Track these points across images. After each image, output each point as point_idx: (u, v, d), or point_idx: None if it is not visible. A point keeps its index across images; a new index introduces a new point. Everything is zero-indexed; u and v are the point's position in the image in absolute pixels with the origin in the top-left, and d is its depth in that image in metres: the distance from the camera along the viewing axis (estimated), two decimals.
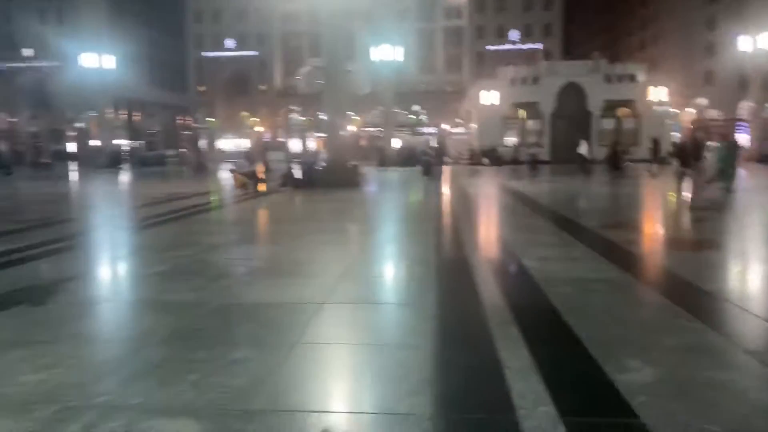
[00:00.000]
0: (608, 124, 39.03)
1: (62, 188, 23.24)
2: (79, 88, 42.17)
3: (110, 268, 7.62)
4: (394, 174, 26.83)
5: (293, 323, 4.73)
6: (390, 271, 7.29)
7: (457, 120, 57.63)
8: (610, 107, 38.91)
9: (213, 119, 66.79)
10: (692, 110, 52.15)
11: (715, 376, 3.59)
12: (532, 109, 39.73)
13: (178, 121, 63.98)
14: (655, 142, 25.61)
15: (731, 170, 15.16)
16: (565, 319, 4.74)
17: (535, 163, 28.96)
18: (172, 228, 10.98)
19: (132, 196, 19.02)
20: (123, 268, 7.47)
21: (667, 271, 6.88)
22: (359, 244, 9.33)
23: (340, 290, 5.90)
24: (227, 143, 57.65)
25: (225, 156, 34.76)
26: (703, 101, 53.96)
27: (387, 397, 3.34)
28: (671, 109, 41.54)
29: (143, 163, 40.99)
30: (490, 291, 5.74)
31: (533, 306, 5.24)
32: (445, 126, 55.55)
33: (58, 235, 9.66)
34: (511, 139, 39.81)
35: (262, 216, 13.78)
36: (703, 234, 9.72)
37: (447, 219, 12.11)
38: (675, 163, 13.92)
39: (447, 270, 6.89)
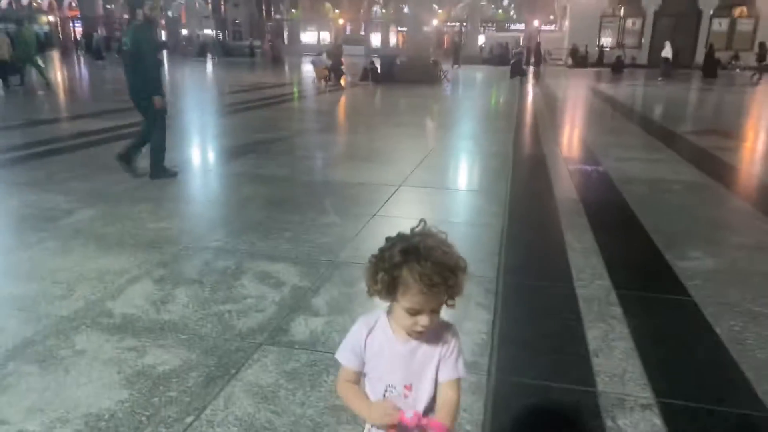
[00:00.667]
0: (722, 25, 35.10)
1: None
2: None
3: (209, 146, 8.33)
4: (478, 72, 26.02)
5: (373, 200, 5.17)
6: (466, 162, 7.52)
7: (551, 17, 53.68)
8: (726, 6, 34.73)
9: (295, 11, 65.98)
10: None
11: None
12: (634, 5, 36.21)
13: (263, 12, 63.72)
14: (762, 47, 23.07)
15: None
16: (634, 212, 4.88)
17: (620, 66, 27.02)
18: (261, 113, 11.59)
19: (220, 84, 19.82)
20: (220, 145, 8.14)
21: (752, 176, 6.68)
22: (436, 137, 9.53)
23: (416, 176, 6.26)
24: (310, 35, 57.28)
25: (307, 48, 34.79)
26: None
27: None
28: None
29: (229, 53, 41.81)
30: (564, 185, 5.90)
31: (605, 200, 5.38)
32: (536, 23, 52.02)
33: None
34: (607, 39, 36.91)
35: (343, 107, 14.12)
36: None
37: (527, 118, 11.94)
38: None
39: (523, 164, 7.04)
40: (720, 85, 21.04)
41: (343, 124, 11.68)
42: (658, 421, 2.16)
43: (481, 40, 43.57)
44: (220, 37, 51.90)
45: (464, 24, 47.23)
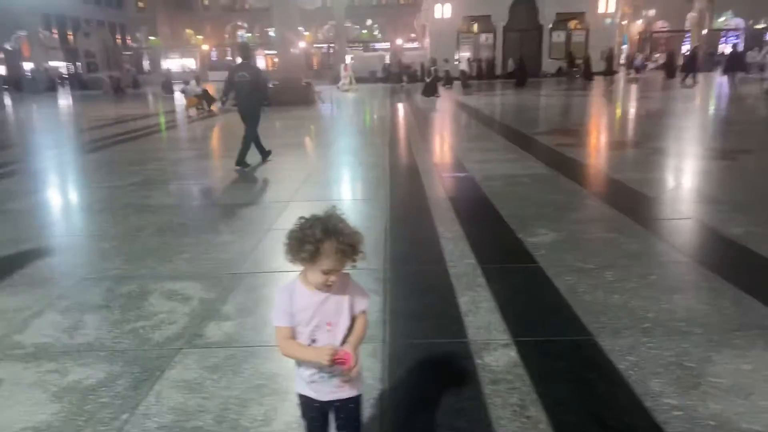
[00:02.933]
0: (560, 36, 39.48)
1: None
2: (6, 6, 39.28)
3: (83, 181, 8.10)
4: (348, 93, 27.00)
5: (265, 217, 5.52)
6: (348, 175, 8.07)
7: (412, 35, 56.82)
8: (562, 20, 39.20)
9: (155, 38, 63.39)
10: (640, 21, 52.86)
11: (602, 236, 4.64)
12: (486, 22, 39.64)
13: (118, 41, 60.45)
14: (571, 57, 26.94)
15: None
16: (493, 203, 5.71)
17: (448, 80, 28.25)
18: (133, 146, 11.34)
19: (79, 119, 18.77)
20: (98, 180, 7.96)
21: (585, 165, 7.94)
22: (318, 154, 10.02)
23: (304, 191, 6.68)
24: (172, 63, 55.36)
25: (171, 76, 33.71)
26: (651, 12, 54.67)
27: None
28: (620, 21, 42.18)
29: (84, 86, 39.25)
30: (434, 187, 6.65)
31: (469, 196, 6.19)
32: (399, 41, 54.78)
33: (11, 158, 9.95)
34: (465, 54, 39.92)
35: (220, 132, 14.14)
36: (623, 136, 10.85)
37: (400, 132, 12.83)
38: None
39: (399, 173, 7.74)
40: (559, 91, 23.78)
41: (223, 149, 11.76)
42: (514, 354, 2.78)
43: (348, 59, 44.99)
44: (72, 69, 48.49)
45: (331, 45, 48.48)
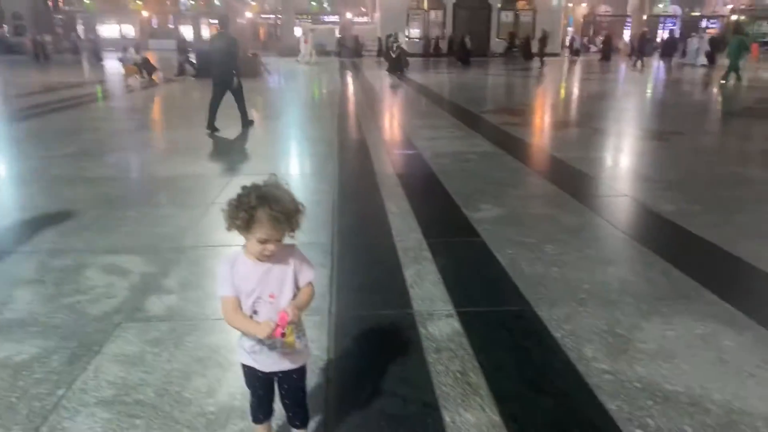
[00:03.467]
0: (509, 16, 39.89)
1: None
2: None
3: (12, 151, 7.63)
4: (296, 64, 26.43)
5: (207, 190, 5.38)
6: (296, 149, 7.96)
7: (363, 9, 55.99)
8: (511, 0, 39.55)
9: (89, 1, 59.77)
10: (585, 5, 54.11)
11: (543, 212, 4.80)
12: None
13: (49, 3, 56.60)
14: (511, 37, 27.56)
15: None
16: (440, 180, 5.78)
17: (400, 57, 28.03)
18: (67, 116, 10.74)
19: (5, 86, 17.58)
20: (29, 151, 7.52)
21: (529, 144, 8.15)
22: (264, 127, 9.81)
23: (249, 165, 6.55)
24: (109, 29, 52.43)
25: (100, 43, 31.74)
26: None
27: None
28: (566, 3, 43.00)
29: (10, 50, 36.58)
30: (383, 163, 6.66)
31: (417, 173, 6.23)
32: (349, 15, 53.89)
33: None
34: (415, 31, 39.75)
35: (161, 103, 13.60)
36: (562, 116, 11.18)
37: (349, 107, 12.72)
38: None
39: (347, 148, 7.69)
40: (506, 70, 24.14)
41: (164, 120, 11.34)
42: (457, 325, 2.86)
43: (297, 32, 43.96)
44: None
45: (279, 16, 47.19)
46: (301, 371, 1.80)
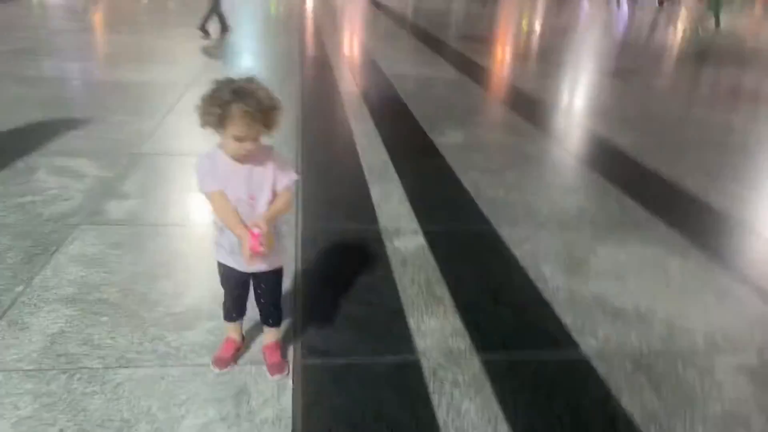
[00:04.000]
0: None
1: None
2: None
3: None
4: None
5: (163, 98, 5.13)
6: (256, 61, 7.63)
7: None
8: None
9: None
10: None
11: (505, 139, 4.85)
12: None
13: None
14: None
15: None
16: (405, 103, 5.71)
17: None
18: (11, 9, 9.83)
19: None
20: None
21: (493, 73, 8.11)
22: (220, 39, 9.30)
23: (207, 75, 6.23)
24: None
25: None
26: None
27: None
28: None
29: None
30: (347, 82, 6.49)
31: (382, 94, 6.12)
32: None
33: None
34: None
35: (110, 5, 12.60)
36: (538, 49, 11.12)
37: (308, 23, 12.19)
38: None
39: (310, 65, 7.43)
40: None
41: (113, 23, 10.55)
42: (422, 240, 2.92)
43: None
44: None
45: None
46: (278, 272, 1.81)
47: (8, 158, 3.48)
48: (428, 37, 10.95)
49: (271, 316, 1.90)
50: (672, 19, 20.64)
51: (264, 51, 8.33)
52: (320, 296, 2.39)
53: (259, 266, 1.73)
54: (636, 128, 5.50)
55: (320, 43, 9.38)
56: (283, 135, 4.29)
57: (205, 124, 1.55)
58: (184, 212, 3.14)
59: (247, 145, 1.56)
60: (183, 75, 6.09)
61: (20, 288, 2.25)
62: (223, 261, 1.76)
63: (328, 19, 13.13)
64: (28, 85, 5.19)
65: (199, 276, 2.43)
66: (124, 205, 3.03)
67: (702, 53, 11.98)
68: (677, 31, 16.52)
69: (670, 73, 9.90)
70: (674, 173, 4.22)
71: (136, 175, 3.43)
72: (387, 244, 2.86)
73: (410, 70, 7.42)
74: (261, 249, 1.58)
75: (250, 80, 1.55)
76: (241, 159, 1.60)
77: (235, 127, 1.52)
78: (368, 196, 3.42)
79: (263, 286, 1.82)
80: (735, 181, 4.21)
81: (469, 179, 3.80)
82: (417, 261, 2.72)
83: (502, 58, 10.12)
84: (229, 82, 1.54)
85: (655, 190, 3.97)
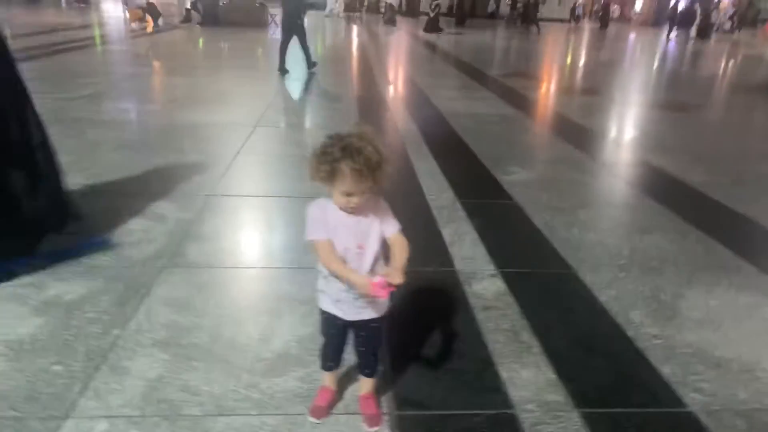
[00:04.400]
0: None
1: None
2: None
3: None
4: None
5: (232, 139, 5.30)
6: (312, 103, 7.83)
7: None
8: None
9: None
10: None
11: (573, 177, 4.77)
12: None
13: None
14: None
15: None
16: (464, 140, 5.71)
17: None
18: (76, 58, 10.48)
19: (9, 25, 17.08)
20: (43, 91, 7.35)
21: (547, 108, 8.05)
22: (277, 80, 9.61)
23: (269, 116, 6.44)
24: None
25: None
26: None
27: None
28: None
29: None
30: (404, 120, 6.57)
31: (440, 132, 6.15)
32: None
33: None
34: None
35: (171, 50, 13.27)
36: (590, 83, 11.03)
37: (361, 63, 12.48)
38: None
39: (366, 104, 7.57)
40: (506, 33, 23.67)
41: (177, 67, 11.07)
42: (501, 284, 2.87)
43: None
44: None
45: None
46: (381, 320, 1.80)
47: (93, 200, 3.64)
48: (478, 74, 11.02)
49: (368, 365, 1.88)
50: (727, 51, 20.17)
51: (319, 91, 8.55)
52: (407, 344, 2.35)
53: (364, 315, 1.73)
54: (706, 164, 5.32)
55: (373, 82, 9.56)
56: None
57: (315, 179, 1.57)
58: (261, 254, 3.19)
59: (355, 200, 1.58)
60: (246, 116, 6.30)
61: (117, 331, 2.31)
62: (326, 309, 1.77)
63: (378, 57, 13.41)
64: (103, 128, 5.46)
65: (283, 320, 2.44)
66: (204, 247, 3.10)
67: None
68: (736, 63, 16.10)
69: (735, 106, 9.61)
70: (754, 212, 4.03)
71: (213, 218, 3.52)
72: (465, 288, 2.82)
73: (465, 107, 7.45)
74: (385, 294, 1.58)
75: (360, 136, 1.57)
76: (348, 211, 1.62)
77: (344, 184, 1.54)
78: (440, 237, 3.39)
79: (363, 334, 1.81)
80: None
81: (540, 219, 3.74)
82: (499, 306, 2.66)
83: (555, 92, 10.07)
84: (339, 138, 1.56)
85: (737, 230, 3.80)
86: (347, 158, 1.52)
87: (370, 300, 1.70)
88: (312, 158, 1.59)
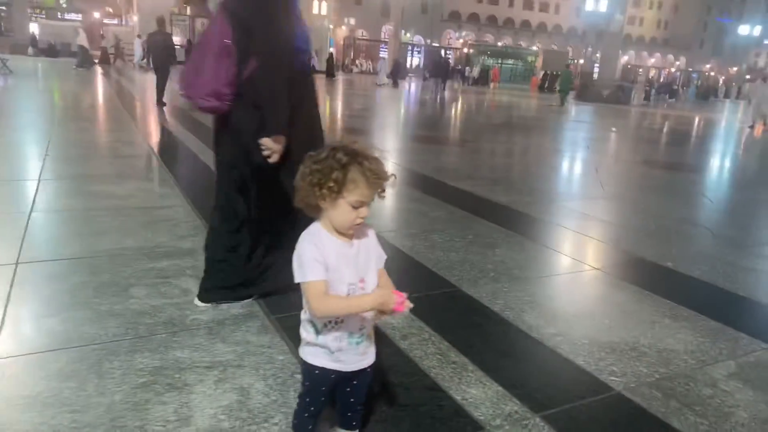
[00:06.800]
0: None
1: None
2: None
3: None
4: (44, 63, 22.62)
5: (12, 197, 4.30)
6: (105, 154, 6.83)
7: (109, 9, 50.64)
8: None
9: None
10: (344, 28, 57.86)
11: (416, 208, 5.00)
12: (201, 6, 37.92)
13: None
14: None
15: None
16: None
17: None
18: None
19: None
20: None
21: None
22: (51, 130, 8.17)
23: (49, 169, 5.41)
24: None
25: None
26: (352, 21, 60.28)
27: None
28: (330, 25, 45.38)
29: None
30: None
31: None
32: (96, 15, 48.14)
33: None
34: (177, 38, 37.41)
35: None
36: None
37: (115, 110, 11.40)
38: None
39: (165, 150, 6.90)
40: None
41: None
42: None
43: (34, 28, 37.81)
44: None
45: (2, 7, 39.91)
46: (373, 365, 1.58)
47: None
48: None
49: (356, 417, 1.65)
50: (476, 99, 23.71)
51: (106, 140, 7.51)
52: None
53: (363, 362, 1.53)
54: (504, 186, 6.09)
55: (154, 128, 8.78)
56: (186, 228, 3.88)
57: (314, 198, 1.34)
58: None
59: (364, 211, 1.38)
60: (18, 170, 5.18)
61: None
62: (326, 365, 1.49)
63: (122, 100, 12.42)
64: None
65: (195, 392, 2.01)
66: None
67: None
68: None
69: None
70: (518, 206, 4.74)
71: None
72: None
73: None
74: (403, 307, 1.38)
75: (352, 141, 1.40)
76: (350, 234, 1.41)
77: (359, 190, 1.34)
78: None
79: (356, 383, 1.57)
80: None
81: (403, 244, 3.81)
82: (414, 332, 2.61)
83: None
84: (333, 147, 1.36)
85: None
86: (357, 162, 1.33)
87: (369, 345, 1.52)
88: (312, 173, 1.35)
